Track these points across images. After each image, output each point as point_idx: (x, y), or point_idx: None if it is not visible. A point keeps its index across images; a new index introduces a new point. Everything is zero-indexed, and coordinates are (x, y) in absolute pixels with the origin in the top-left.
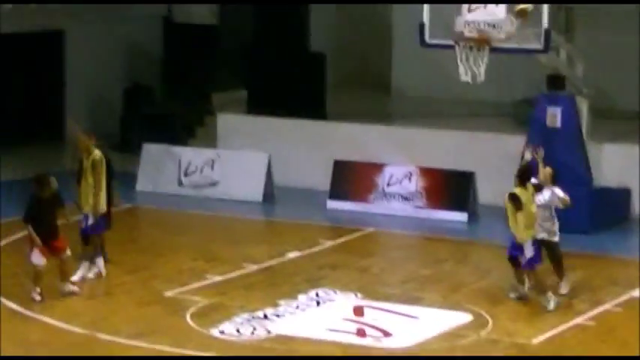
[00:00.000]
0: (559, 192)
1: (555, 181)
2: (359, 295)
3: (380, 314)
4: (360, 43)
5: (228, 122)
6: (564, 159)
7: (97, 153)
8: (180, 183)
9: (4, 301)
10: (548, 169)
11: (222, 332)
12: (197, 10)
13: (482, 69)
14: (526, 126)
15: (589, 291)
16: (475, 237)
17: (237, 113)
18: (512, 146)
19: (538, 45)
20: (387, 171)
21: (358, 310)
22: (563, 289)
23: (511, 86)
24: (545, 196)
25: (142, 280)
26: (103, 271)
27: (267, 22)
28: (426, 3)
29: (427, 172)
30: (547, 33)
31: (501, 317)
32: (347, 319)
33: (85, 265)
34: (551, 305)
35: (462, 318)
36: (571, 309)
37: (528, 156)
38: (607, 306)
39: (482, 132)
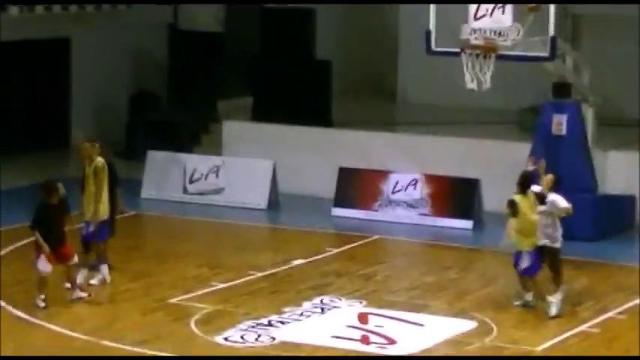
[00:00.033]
0: (560, 202)
1: (558, 188)
2: (363, 302)
3: (384, 321)
4: (366, 51)
5: (234, 129)
6: (570, 166)
7: (100, 160)
8: (185, 190)
9: (9, 308)
10: (550, 176)
11: (226, 339)
12: (203, 18)
13: (488, 76)
14: (532, 133)
15: (593, 298)
16: (480, 244)
17: (242, 120)
18: (518, 154)
19: (544, 52)
20: (392, 178)
21: (363, 318)
22: (557, 296)
23: (517, 94)
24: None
25: (146, 287)
26: (108, 278)
27: (273, 29)
28: (432, 3)
29: (432, 180)
30: (553, 40)
31: (506, 324)
32: (351, 327)
33: (83, 272)
34: (553, 311)
35: (467, 325)
36: (575, 316)
37: (530, 167)
38: (611, 313)
39: (488, 139)
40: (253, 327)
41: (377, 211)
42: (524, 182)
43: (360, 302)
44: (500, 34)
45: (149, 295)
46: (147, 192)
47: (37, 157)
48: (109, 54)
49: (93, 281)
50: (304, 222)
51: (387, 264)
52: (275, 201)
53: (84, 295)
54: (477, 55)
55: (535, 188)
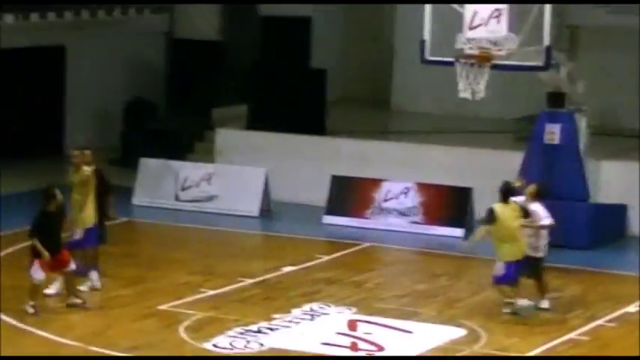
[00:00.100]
0: (541, 216)
1: (541, 196)
2: (353, 309)
3: (374, 328)
4: (361, 60)
5: (227, 137)
6: (563, 175)
7: (87, 169)
8: (177, 197)
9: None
10: (533, 186)
11: (215, 346)
12: (199, 26)
13: (482, 86)
14: (526, 143)
15: (583, 306)
16: (471, 253)
17: (235, 128)
18: (512, 163)
19: (539, 62)
20: (385, 186)
21: (352, 325)
22: (544, 304)
23: (512, 103)
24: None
25: (137, 294)
26: (98, 285)
27: (269, 37)
28: (429, 3)
29: (424, 188)
30: (548, 50)
31: (495, 332)
32: (341, 333)
33: (60, 279)
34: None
35: (456, 333)
36: (565, 324)
37: (517, 184)
38: (601, 321)
39: (482, 148)
40: (242, 334)
41: (369, 218)
42: (505, 191)
43: (350, 309)
44: (495, 43)
45: (140, 302)
46: (139, 199)
47: (32, 164)
48: (104, 62)
49: (82, 288)
50: (296, 229)
51: (377, 271)
52: (267, 208)
53: (79, 301)
54: (472, 65)
55: (518, 199)
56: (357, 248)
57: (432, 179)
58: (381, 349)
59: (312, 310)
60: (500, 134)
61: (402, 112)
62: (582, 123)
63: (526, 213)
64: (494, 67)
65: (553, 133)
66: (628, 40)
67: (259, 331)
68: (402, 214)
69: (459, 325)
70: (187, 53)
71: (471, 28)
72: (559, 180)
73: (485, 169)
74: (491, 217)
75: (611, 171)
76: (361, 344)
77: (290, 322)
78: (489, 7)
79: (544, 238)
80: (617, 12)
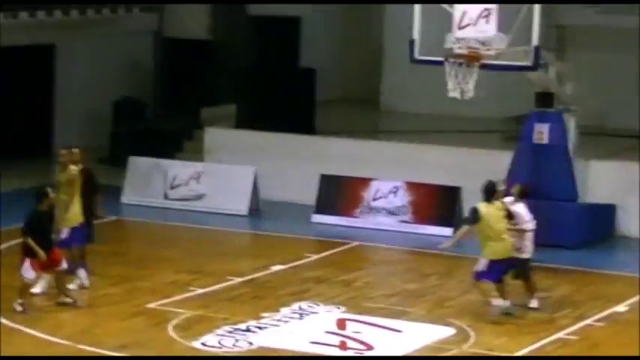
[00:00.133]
0: (523, 218)
1: (526, 197)
2: (342, 308)
3: (363, 327)
4: (350, 59)
5: (216, 136)
6: (551, 175)
7: (73, 169)
8: (166, 196)
9: None
10: (517, 187)
11: (204, 344)
12: (188, 25)
13: (471, 85)
14: (515, 142)
15: (572, 306)
16: (460, 252)
17: (224, 127)
18: (501, 162)
19: (528, 62)
20: (373, 185)
21: (341, 324)
22: (532, 303)
23: (501, 103)
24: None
25: (125, 292)
26: (86, 283)
27: (259, 37)
28: (418, 3)
29: (413, 187)
30: (537, 50)
31: (484, 331)
32: (330, 332)
33: (45, 278)
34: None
35: (445, 332)
36: (553, 324)
37: (502, 187)
38: (589, 321)
39: (471, 148)
40: (231, 332)
41: (358, 217)
42: (488, 190)
43: (339, 308)
44: (484, 43)
45: (129, 301)
46: (128, 197)
47: (20, 164)
48: (94, 61)
49: (71, 286)
50: (285, 228)
51: (366, 270)
52: (256, 207)
53: (70, 300)
54: (461, 64)
55: (506, 199)
56: (346, 247)
57: (421, 178)
58: (370, 348)
59: (301, 308)
60: (489, 134)
61: (391, 111)
62: (571, 123)
63: (509, 214)
64: (483, 66)
65: (542, 133)
66: (617, 40)
67: (248, 330)
68: (391, 213)
69: (448, 325)
70: (177, 52)
71: (460, 28)
72: (548, 180)
73: (475, 169)
74: (474, 217)
75: (599, 171)
76: (350, 343)
77: (279, 320)
78: (478, 7)
79: (528, 240)
80: (605, 12)
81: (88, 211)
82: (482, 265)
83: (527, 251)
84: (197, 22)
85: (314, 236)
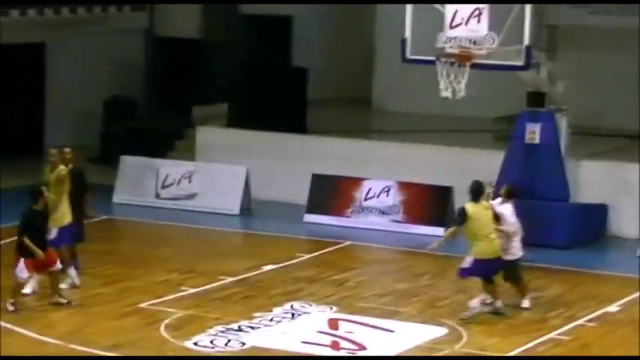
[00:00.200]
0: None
1: (513, 197)
2: (334, 308)
3: (355, 327)
4: (342, 58)
5: (208, 135)
6: (543, 175)
7: (63, 169)
8: (157, 195)
9: None
10: (505, 187)
11: (196, 344)
12: (179, 24)
13: (463, 85)
14: (506, 142)
15: (564, 306)
16: (452, 252)
17: (216, 127)
18: (492, 162)
19: (519, 62)
20: (365, 185)
21: (333, 323)
22: (524, 304)
23: (492, 102)
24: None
25: (117, 292)
26: (77, 281)
27: (250, 36)
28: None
29: (405, 187)
30: (528, 50)
31: (476, 331)
32: (321, 332)
33: (35, 278)
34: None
35: (437, 332)
36: (545, 324)
37: (489, 189)
38: (581, 321)
39: (463, 148)
40: (223, 332)
41: (350, 217)
42: (475, 190)
43: (331, 308)
44: (475, 42)
45: (120, 300)
46: (119, 197)
47: (11, 163)
48: (84, 59)
49: (63, 285)
50: (276, 228)
51: (358, 270)
52: (248, 207)
53: (64, 300)
54: (452, 64)
55: (495, 200)
56: (338, 247)
57: (413, 178)
58: (362, 348)
59: (293, 308)
60: (480, 133)
61: (383, 111)
62: (563, 123)
63: (495, 215)
64: (475, 66)
65: (534, 133)
66: (608, 40)
67: (240, 330)
68: (382, 212)
69: (440, 325)
70: (168, 51)
71: (452, 28)
72: (539, 180)
73: (466, 169)
74: (461, 218)
75: (591, 171)
76: (342, 343)
77: (271, 320)
78: (470, 7)
79: (514, 241)
80: (597, 12)
81: (79, 210)
82: (466, 262)
83: (513, 253)
84: (188, 20)
85: (306, 236)
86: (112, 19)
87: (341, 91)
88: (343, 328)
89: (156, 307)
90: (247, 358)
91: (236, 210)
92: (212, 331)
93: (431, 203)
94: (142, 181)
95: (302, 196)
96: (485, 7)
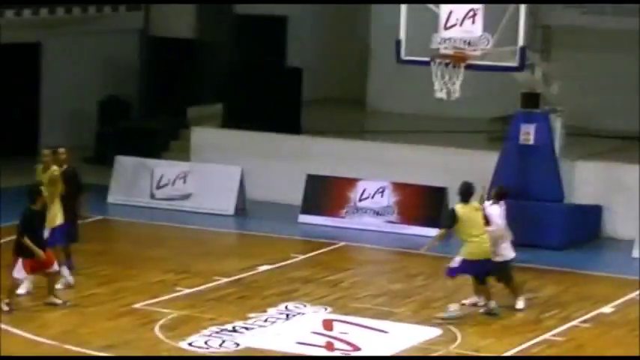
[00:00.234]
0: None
1: (502, 198)
2: (329, 309)
3: (349, 328)
4: (337, 59)
5: (203, 136)
6: (537, 176)
7: (55, 169)
8: (152, 196)
9: None
10: (495, 188)
11: (191, 345)
12: (174, 24)
13: (458, 86)
14: (501, 143)
15: (558, 307)
16: (446, 252)
17: (211, 127)
18: (487, 163)
19: (514, 63)
20: (360, 186)
21: (327, 324)
22: (518, 304)
23: (487, 103)
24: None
25: (112, 292)
26: (70, 280)
27: (245, 36)
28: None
29: (400, 188)
30: (522, 51)
31: (470, 332)
32: (316, 333)
33: (29, 278)
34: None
35: (431, 333)
36: (540, 325)
37: (479, 190)
38: (575, 322)
39: (457, 148)
40: (218, 333)
41: (344, 218)
42: (464, 192)
43: (325, 309)
44: (469, 43)
45: (115, 300)
46: (114, 197)
47: (5, 163)
48: (79, 59)
49: (58, 286)
50: (271, 228)
51: (353, 271)
52: (242, 207)
53: (59, 301)
54: (447, 65)
55: (487, 203)
56: (332, 247)
57: (408, 179)
58: (356, 348)
59: (287, 309)
60: (475, 134)
61: (378, 111)
62: (557, 123)
63: (485, 217)
64: (469, 67)
65: (528, 134)
66: (602, 41)
67: (235, 330)
68: (377, 213)
69: (434, 325)
70: (163, 51)
71: (446, 28)
72: (534, 180)
73: (461, 169)
74: (451, 219)
75: (585, 172)
76: (337, 344)
77: (265, 321)
78: (464, 8)
79: (502, 243)
80: (591, 13)
81: (73, 211)
82: (455, 262)
83: (502, 254)
84: (183, 21)
85: (300, 236)
86: (107, 20)
87: (335, 91)
88: (338, 328)
89: (151, 307)
90: (242, 358)
91: (231, 210)
92: (207, 332)
93: (425, 204)
94: (136, 181)
95: (297, 197)
96: (479, 8)
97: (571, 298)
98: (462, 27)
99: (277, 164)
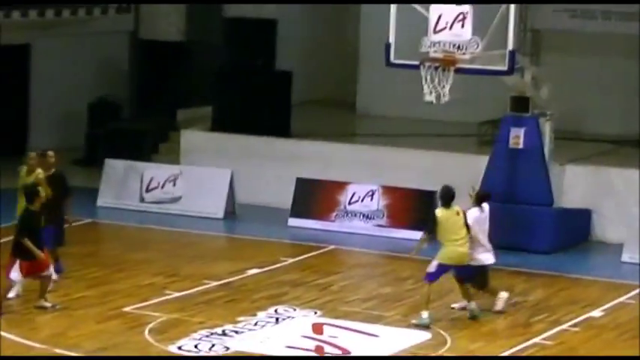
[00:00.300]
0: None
1: (483, 201)
2: (318, 312)
3: (339, 332)
4: (327, 62)
5: (192, 139)
6: (527, 180)
7: (40, 172)
8: (142, 199)
9: None
10: (476, 191)
11: (180, 348)
12: (164, 27)
13: (447, 89)
14: (490, 146)
15: (548, 311)
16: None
17: (200, 130)
18: (477, 166)
19: (503, 66)
20: (349, 189)
21: (317, 328)
22: (497, 306)
23: (476, 107)
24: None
25: (101, 295)
26: (55, 277)
27: (235, 39)
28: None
29: (389, 191)
30: (512, 54)
31: (460, 336)
32: (305, 337)
33: (21, 282)
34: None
35: (421, 336)
36: (529, 329)
37: (472, 193)
38: (565, 326)
39: (447, 152)
40: (207, 336)
41: (334, 221)
42: (445, 196)
43: (315, 312)
44: (459, 47)
45: (105, 304)
46: (103, 200)
47: None
48: (69, 61)
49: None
50: (261, 232)
51: (343, 274)
52: (232, 210)
53: (49, 305)
54: (436, 68)
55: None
56: (322, 251)
57: (397, 182)
58: (346, 352)
59: (277, 312)
60: (464, 138)
61: (367, 115)
62: (546, 127)
63: (466, 221)
64: (459, 70)
65: (518, 137)
66: (592, 45)
67: (224, 334)
68: (366, 217)
69: (424, 329)
70: (152, 54)
71: (436, 32)
72: (523, 184)
73: (450, 173)
74: (432, 224)
75: (575, 175)
76: (327, 348)
77: (255, 324)
78: (454, 11)
79: (478, 247)
80: (580, 16)
81: (60, 214)
82: (431, 267)
83: (477, 259)
84: (173, 23)
85: (290, 240)
86: (97, 22)
87: (325, 94)
88: (327, 332)
89: (140, 310)
90: (230, 358)
91: (220, 213)
92: (196, 335)
93: (415, 207)
94: (126, 184)
95: (286, 200)
96: (469, 12)
97: (560, 302)
98: (452, 30)
99: (267, 167)
